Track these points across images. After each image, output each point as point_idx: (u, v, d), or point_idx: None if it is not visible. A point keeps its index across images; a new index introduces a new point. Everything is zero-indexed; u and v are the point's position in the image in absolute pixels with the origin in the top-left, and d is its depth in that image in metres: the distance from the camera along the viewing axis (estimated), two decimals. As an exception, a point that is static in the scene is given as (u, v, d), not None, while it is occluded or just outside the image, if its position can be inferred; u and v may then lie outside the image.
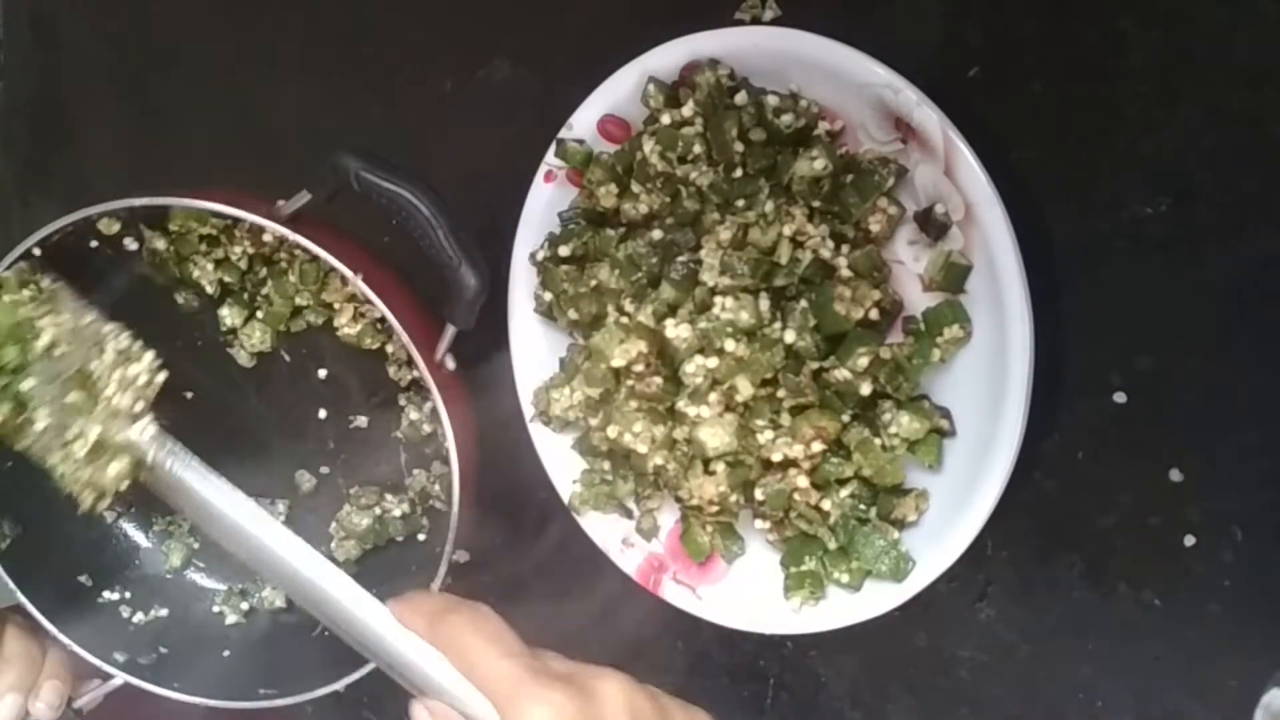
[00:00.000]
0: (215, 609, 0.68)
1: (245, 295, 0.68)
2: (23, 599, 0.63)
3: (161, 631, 0.67)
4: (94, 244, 0.67)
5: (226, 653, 0.66)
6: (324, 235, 0.58)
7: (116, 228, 0.67)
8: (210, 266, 0.68)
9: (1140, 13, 0.45)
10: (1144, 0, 0.45)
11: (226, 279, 0.68)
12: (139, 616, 0.68)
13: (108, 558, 0.69)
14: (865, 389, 0.49)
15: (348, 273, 0.57)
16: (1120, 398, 0.47)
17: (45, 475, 0.48)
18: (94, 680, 0.63)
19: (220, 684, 0.63)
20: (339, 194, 0.57)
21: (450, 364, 0.58)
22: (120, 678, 0.63)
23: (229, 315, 0.68)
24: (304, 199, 0.59)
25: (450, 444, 0.56)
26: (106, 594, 0.68)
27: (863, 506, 0.50)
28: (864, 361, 0.48)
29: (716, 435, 0.50)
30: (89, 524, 0.68)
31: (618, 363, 0.51)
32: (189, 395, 0.69)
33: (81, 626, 0.64)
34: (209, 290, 0.68)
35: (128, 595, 0.68)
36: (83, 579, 0.67)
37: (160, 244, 0.68)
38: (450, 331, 0.57)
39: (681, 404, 0.50)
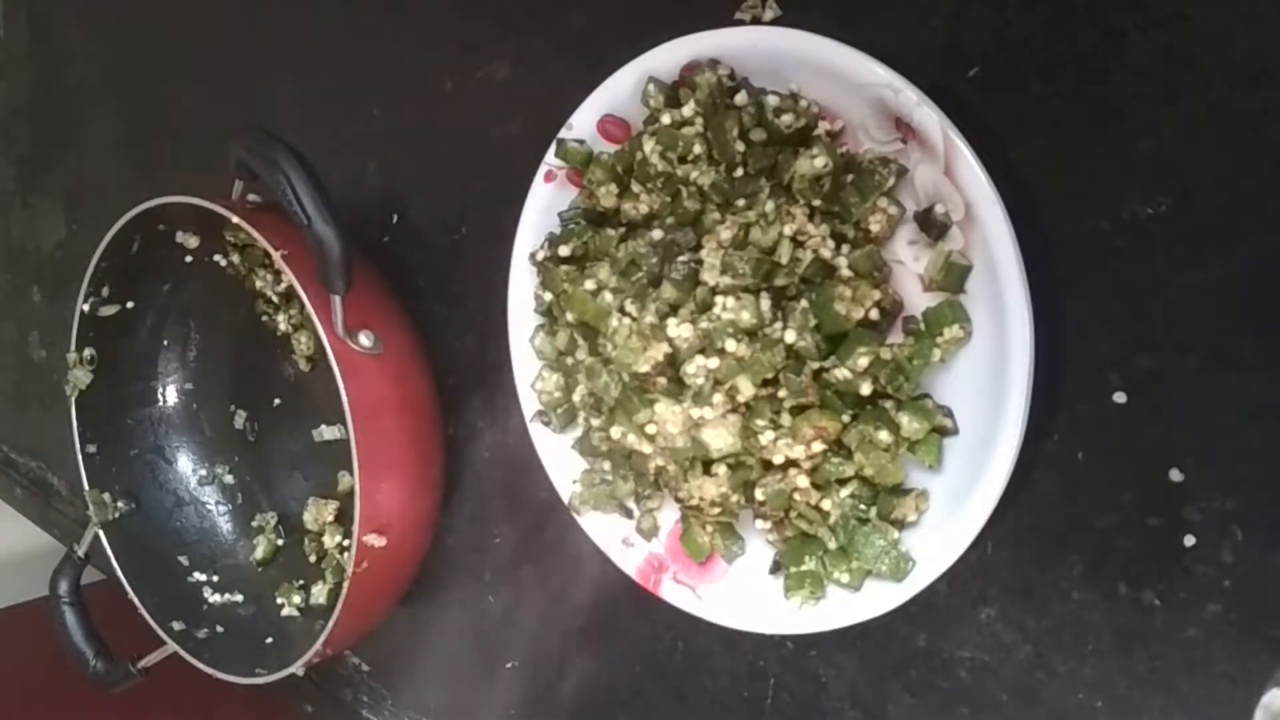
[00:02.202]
0: (279, 600, 0.73)
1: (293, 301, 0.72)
2: (115, 565, 0.73)
3: (228, 613, 0.75)
4: (188, 260, 0.74)
5: (270, 639, 0.71)
6: (275, 223, 0.62)
7: (195, 243, 0.73)
8: (270, 278, 0.71)
9: (1140, 13, 0.45)
10: (1144, 0, 0.45)
11: (280, 288, 0.71)
12: (217, 597, 0.75)
13: (207, 546, 0.78)
14: (865, 389, 0.49)
15: (270, 248, 0.60)
16: (1120, 398, 0.47)
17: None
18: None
19: (243, 664, 0.69)
20: (255, 175, 0.60)
21: (365, 340, 0.59)
22: (170, 646, 0.71)
23: (282, 321, 0.71)
24: (239, 186, 0.63)
25: (347, 412, 0.58)
26: (198, 574, 0.76)
27: (863, 506, 0.50)
28: (864, 361, 0.48)
29: (720, 436, 0.50)
30: (200, 514, 0.78)
31: (643, 368, 0.51)
32: (276, 402, 0.77)
33: (164, 596, 0.73)
34: (275, 299, 0.71)
35: (215, 579, 0.76)
36: (182, 559, 0.76)
37: (236, 258, 0.73)
38: (336, 301, 0.59)
39: (685, 405, 0.50)
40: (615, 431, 0.52)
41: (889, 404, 0.49)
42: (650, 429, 0.51)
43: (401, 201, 0.70)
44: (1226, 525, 0.45)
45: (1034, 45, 0.48)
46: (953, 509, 0.49)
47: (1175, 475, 0.46)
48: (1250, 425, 0.44)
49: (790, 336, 0.49)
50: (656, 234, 0.52)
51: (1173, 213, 0.45)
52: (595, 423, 0.54)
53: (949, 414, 0.49)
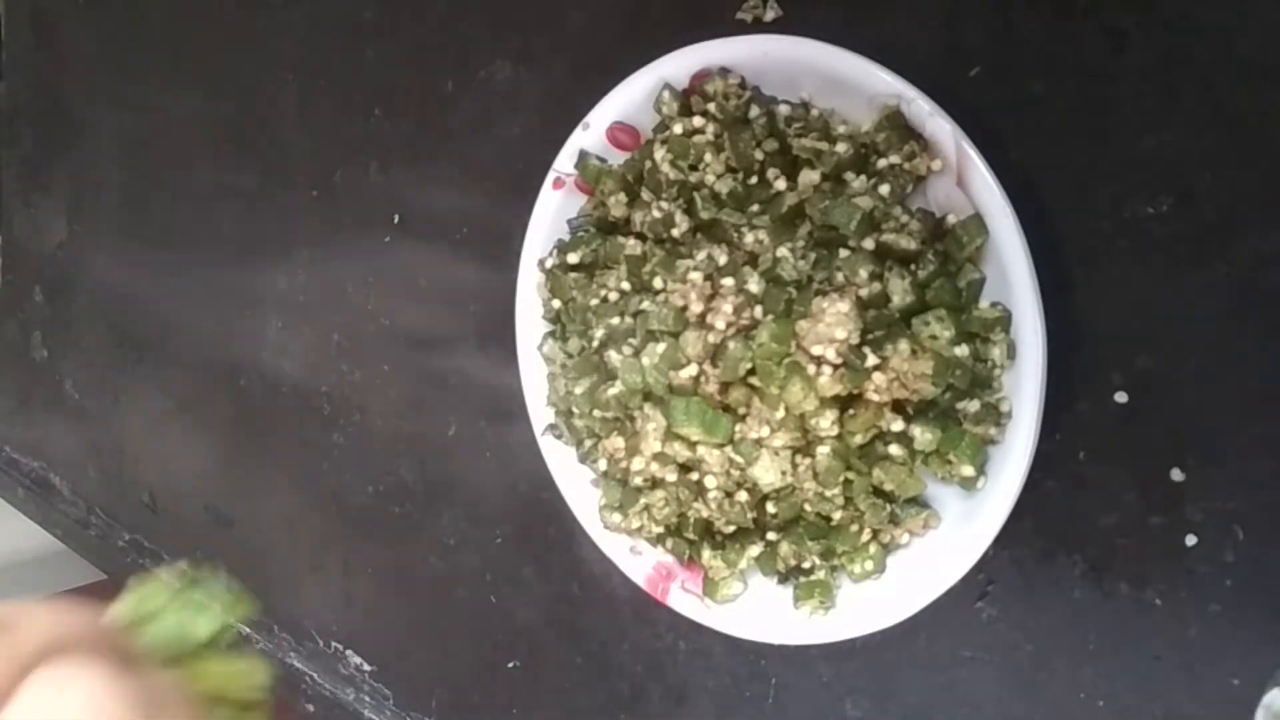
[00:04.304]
0: None
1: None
2: None
3: None
4: None
5: None
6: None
7: None
8: None
9: (1140, 13, 0.45)
10: (1144, 0, 0.45)
11: None
12: None
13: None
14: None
15: None
16: (1121, 397, 0.47)
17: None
18: None
19: None
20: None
21: None
22: None
23: None
24: None
25: None
26: None
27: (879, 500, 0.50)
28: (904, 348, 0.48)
29: (769, 471, 0.50)
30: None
31: (689, 372, 0.50)
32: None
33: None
34: None
35: None
36: None
37: None
38: None
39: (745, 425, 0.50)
40: (639, 463, 0.52)
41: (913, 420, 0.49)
42: (681, 454, 0.51)
43: (402, 202, 0.70)
44: (1228, 525, 0.45)
45: (1034, 45, 0.48)
46: (964, 519, 0.49)
47: (1177, 475, 0.46)
48: (1251, 425, 0.44)
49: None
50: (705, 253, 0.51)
51: (1173, 213, 0.45)
52: (612, 447, 0.54)
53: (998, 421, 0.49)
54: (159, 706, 0.23)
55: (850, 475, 0.50)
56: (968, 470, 0.48)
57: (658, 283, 0.52)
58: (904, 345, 0.47)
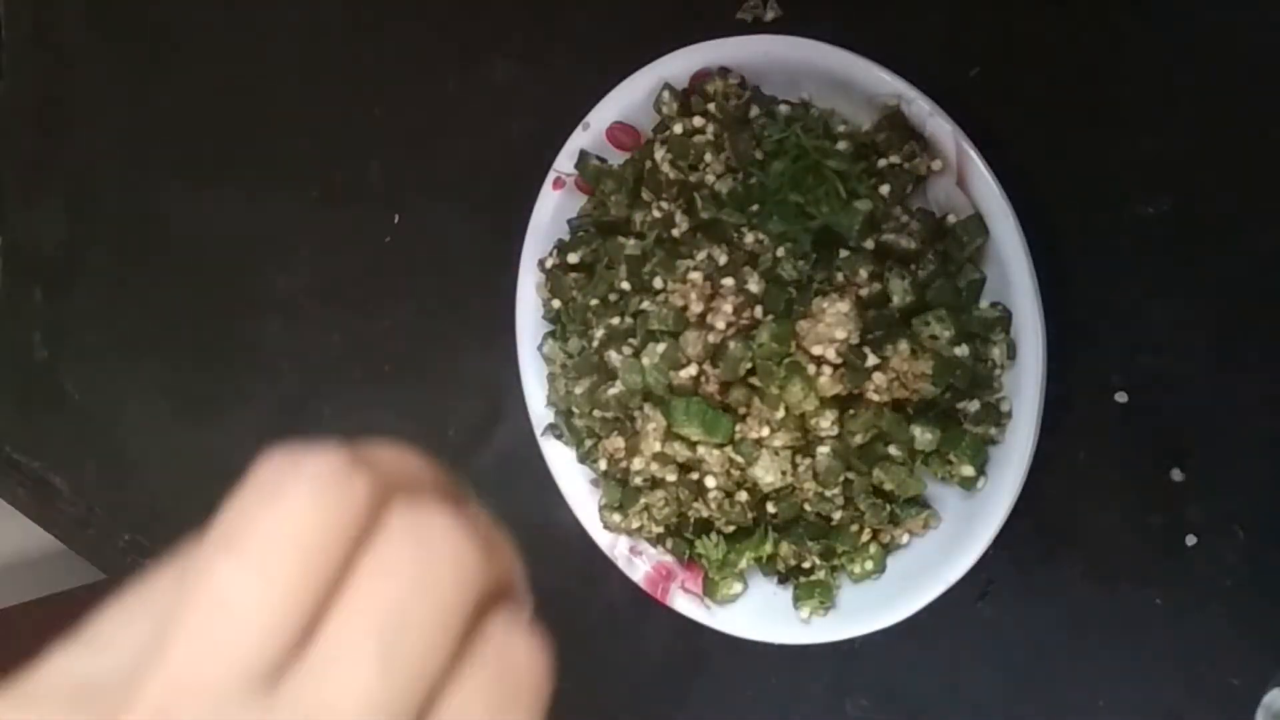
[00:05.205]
0: None
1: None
2: None
3: None
4: None
5: None
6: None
7: None
8: None
9: (1140, 13, 0.45)
10: (1144, 0, 0.45)
11: None
12: None
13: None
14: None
15: None
16: (1121, 397, 0.47)
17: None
18: None
19: None
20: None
21: None
22: None
23: None
24: None
25: None
26: None
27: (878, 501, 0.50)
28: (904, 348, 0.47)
29: (769, 471, 0.50)
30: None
31: (689, 372, 0.50)
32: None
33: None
34: None
35: None
36: None
37: None
38: None
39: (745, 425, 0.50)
40: (639, 463, 0.52)
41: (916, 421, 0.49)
42: (681, 454, 0.51)
43: (403, 202, 0.70)
44: (1228, 525, 0.45)
45: (1035, 45, 0.48)
46: (964, 519, 0.49)
47: (1176, 475, 0.46)
48: (1251, 425, 0.44)
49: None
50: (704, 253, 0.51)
51: (1173, 213, 0.45)
52: (612, 447, 0.54)
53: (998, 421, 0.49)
54: (487, 540, 0.25)
55: (850, 475, 0.50)
56: (968, 470, 0.48)
57: (658, 283, 0.52)
58: (904, 345, 0.47)
